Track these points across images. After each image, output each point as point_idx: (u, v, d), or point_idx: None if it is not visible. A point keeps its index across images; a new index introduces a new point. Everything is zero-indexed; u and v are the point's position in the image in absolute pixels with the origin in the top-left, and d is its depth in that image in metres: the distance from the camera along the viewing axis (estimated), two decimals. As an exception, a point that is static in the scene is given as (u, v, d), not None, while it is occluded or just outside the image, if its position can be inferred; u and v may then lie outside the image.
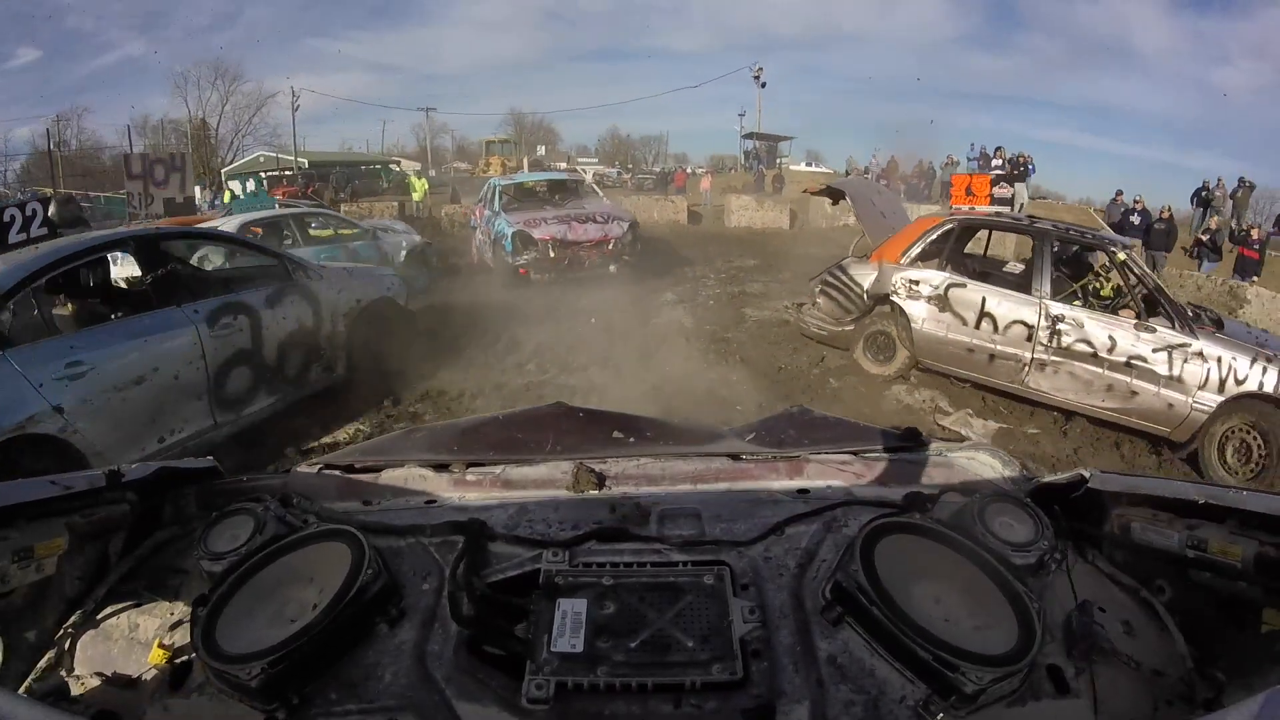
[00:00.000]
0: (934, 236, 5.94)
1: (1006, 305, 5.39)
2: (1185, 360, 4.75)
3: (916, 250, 5.91)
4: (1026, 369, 5.32)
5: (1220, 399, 4.63)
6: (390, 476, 1.34)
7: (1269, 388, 4.50)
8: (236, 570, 0.94)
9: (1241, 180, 14.15)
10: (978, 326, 5.50)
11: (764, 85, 33.48)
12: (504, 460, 1.38)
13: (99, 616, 1.02)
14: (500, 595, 0.96)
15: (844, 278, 6.22)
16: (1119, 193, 15.33)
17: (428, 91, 77.32)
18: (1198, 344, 4.75)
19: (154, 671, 0.92)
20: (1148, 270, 5.25)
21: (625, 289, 9.02)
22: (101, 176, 32.01)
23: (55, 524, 1.01)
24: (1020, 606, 0.84)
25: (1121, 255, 5.25)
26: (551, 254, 9.27)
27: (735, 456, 1.37)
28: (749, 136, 32.21)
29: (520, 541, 1.06)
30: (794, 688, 0.81)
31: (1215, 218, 14.03)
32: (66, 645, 0.98)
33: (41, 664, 0.96)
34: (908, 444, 1.42)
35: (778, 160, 30.35)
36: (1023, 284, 5.54)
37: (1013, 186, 14.16)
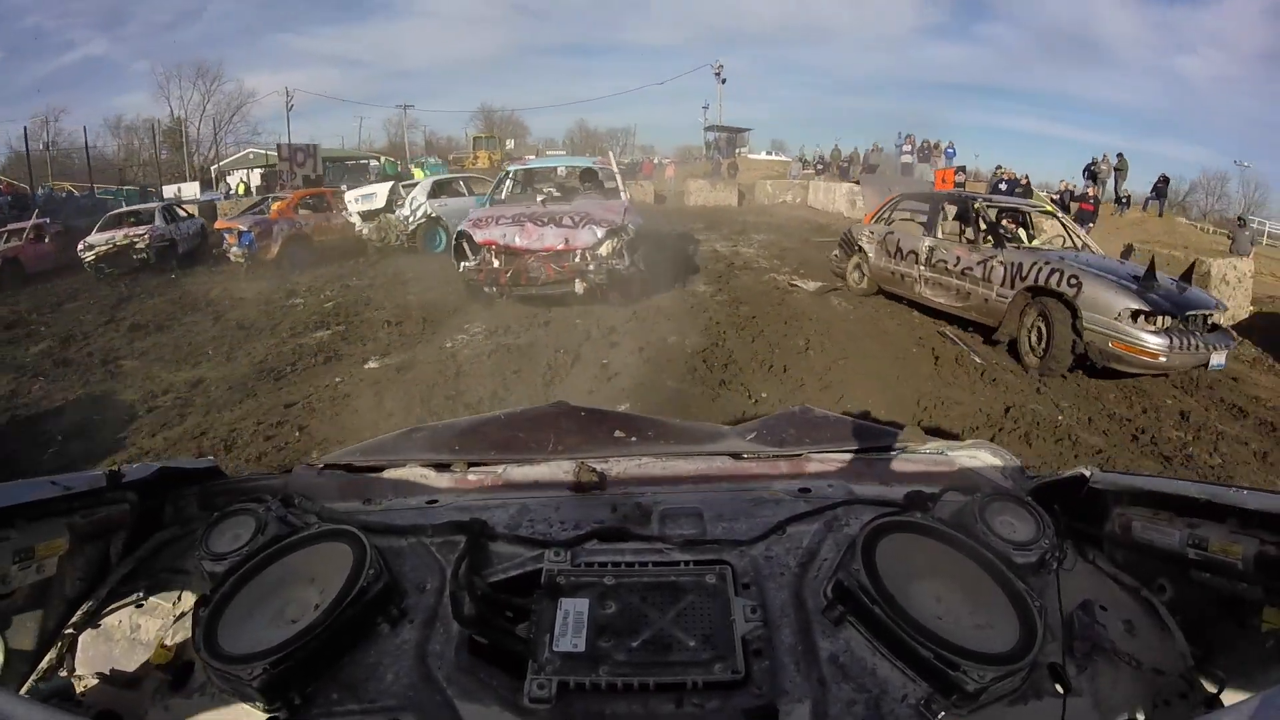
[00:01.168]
0: (886, 207, 9.07)
1: (908, 242, 8.02)
2: (992, 267, 6.83)
3: (879, 215, 9.07)
4: (917, 283, 7.85)
5: (1013, 291, 6.52)
6: (392, 476, 1.33)
7: (1041, 281, 6.25)
8: (238, 570, 0.94)
9: (1120, 156, 18.89)
10: (894, 257, 8.23)
11: (724, 81, 36.64)
12: (505, 460, 1.37)
13: (100, 617, 1.02)
14: (502, 595, 0.96)
15: (848, 234, 9.38)
16: (998, 167, 20.84)
17: (394, 87, 77.72)
18: (1002, 255, 6.83)
19: (155, 672, 0.92)
20: (984, 211, 7.59)
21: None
22: (81, 176, 31.90)
23: (56, 524, 1.01)
24: (1021, 605, 0.84)
25: (978, 204, 7.63)
26: (495, 262, 7.46)
27: (736, 456, 1.37)
28: (711, 129, 34.35)
29: (522, 541, 1.06)
30: (796, 687, 0.81)
31: (1063, 181, 19.22)
32: (68, 646, 0.98)
33: (43, 664, 0.96)
34: (909, 443, 1.41)
35: (736, 150, 32.92)
36: (925, 229, 8.07)
37: (914, 166, 20.48)
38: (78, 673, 0.95)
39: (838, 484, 1.23)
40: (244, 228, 12.32)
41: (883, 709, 0.80)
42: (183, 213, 15.26)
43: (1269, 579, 0.84)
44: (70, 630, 1.00)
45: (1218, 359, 5.71)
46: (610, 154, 9.71)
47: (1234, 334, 6.35)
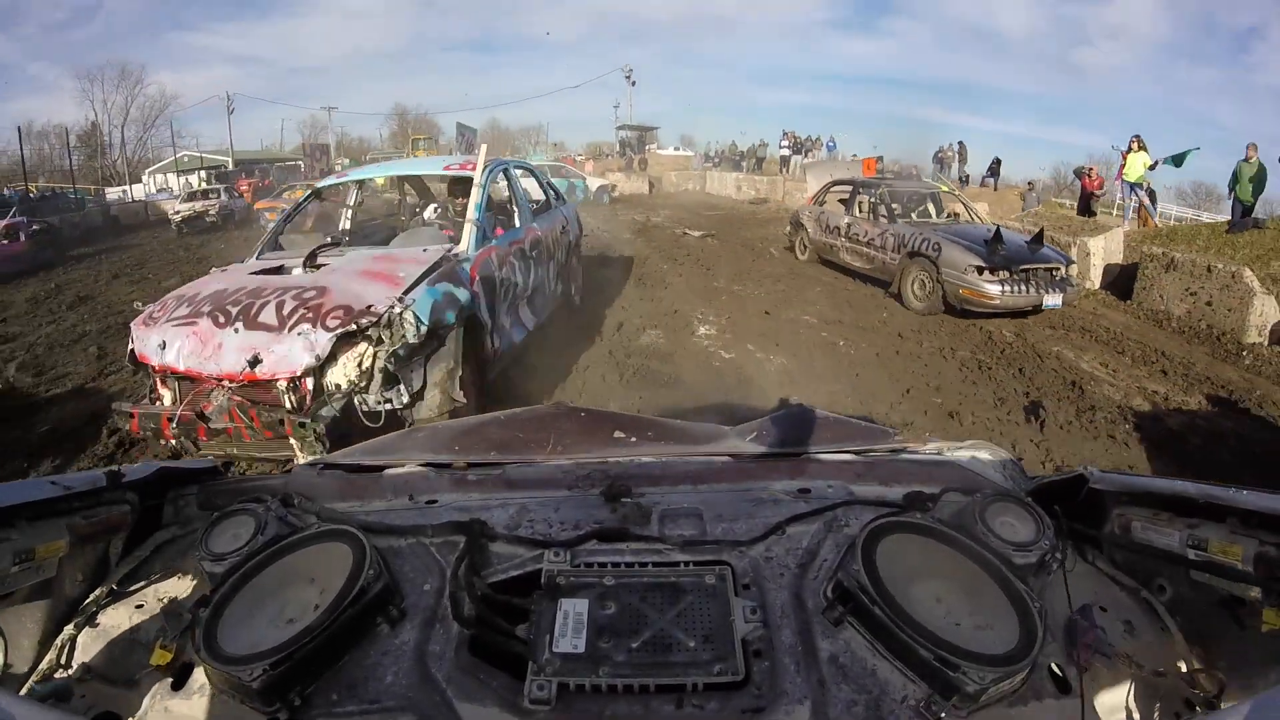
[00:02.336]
0: (823, 190, 11.35)
1: (834, 219, 10.29)
2: (887, 237, 8.91)
3: (818, 198, 11.42)
4: (841, 251, 10.07)
5: (899, 256, 8.53)
6: (391, 476, 1.33)
7: (916, 248, 8.25)
8: (237, 571, 0.94)
9: (961, 144, 23.19)
10: (826, 231, 10.50)
11: (634, 84, 41.98)
12: (505, 460, 1.37)
13: (100, 618, 1.02)
14: (501, 595, 0.95)
15: (795, 216, 11.81)
16: (854, 155, 25.40)
17: (297, 85, 77.62)
18: (893, 228, 8.95)
19: (155, 672, 0.91)
20: (884, 194, 9.60)
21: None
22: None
23: (56, 525, 1.00)
24: (1022, 607, 0.84)
25: (882, 189, 9.75)
26: (163, 396, 3.82)
27: (736, 456, 1.37)
28: (622, 128, 39.04)
29: (521, 541, 1.05)
30: (795, 688, 0.81)
31: (894, 163, 23.97)
32: (67, 646, 0.98)
33: (42, 665, 0.96)
34: (908, 443, 1.41)
35: (646, 147, 36.96)
36: (846, 209, 10.13)
37: (789, 159, 27.44)
38: (77, 674, 0.95)
39: (837, 484, 1.22)
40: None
41: (883, 710, 0.80)
42: (237, 193, 22.58)
43: (1269, 579, 0.84)
44: (70, 631, 0.99)
45: (1051, 300, 7.59)
46: (482, 149, 5.43)
47: (1075, 281, 8.24)
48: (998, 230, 8.03)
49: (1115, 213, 15.44)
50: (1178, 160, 14.24)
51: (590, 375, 5.74)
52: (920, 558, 0.93)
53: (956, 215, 9.81)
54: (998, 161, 23.12)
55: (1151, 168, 14.03)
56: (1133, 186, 14.20)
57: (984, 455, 1.34)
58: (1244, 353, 7.28)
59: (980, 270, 7.44)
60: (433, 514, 1.16)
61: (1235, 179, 11.23)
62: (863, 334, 7.26)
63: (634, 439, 1.48)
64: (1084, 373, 6.27)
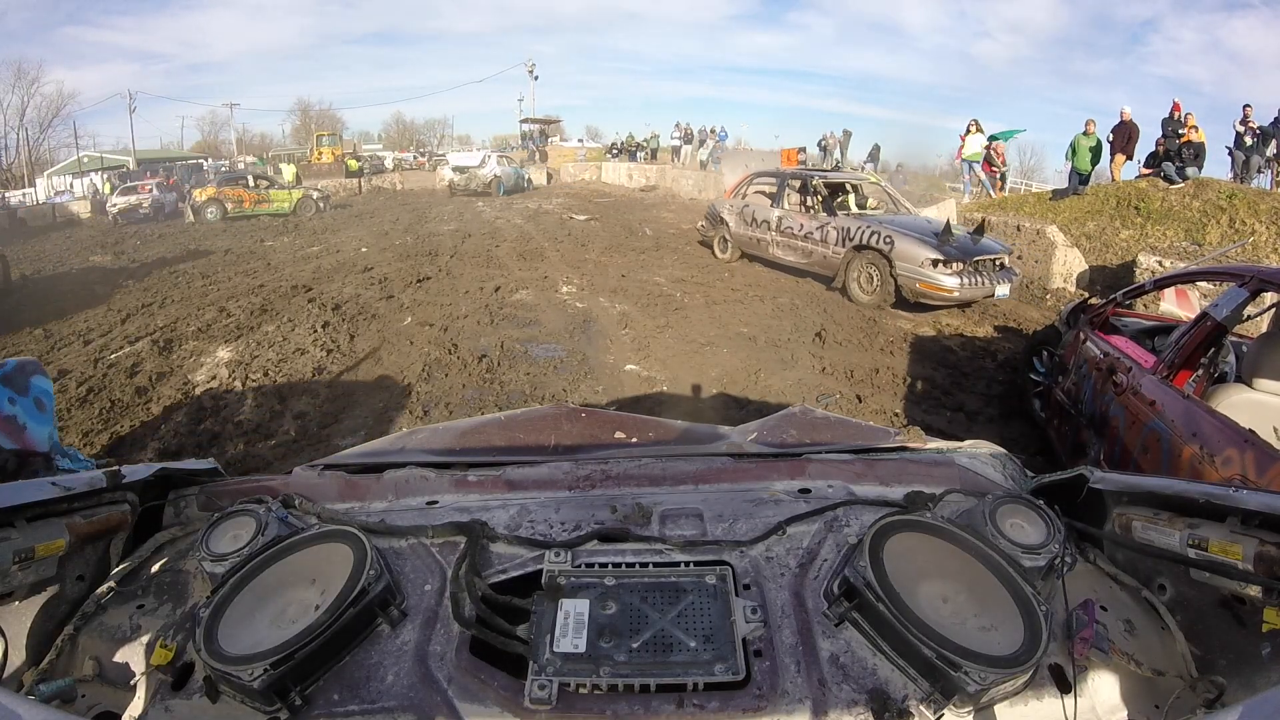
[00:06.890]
0: (744, 183, 10.71)
1: (762, 213, 9.73)
2: (828, 231, 8.59)
3: (737, 190, 10.77)
4: (771, 246, 9.58)
5: (844, 249, 8.30)
6: (392, 477, 1.33)
7: (864, 241, 8.03)
8: (238, 571, 0.94)
9: (845, 130, 23.92)
10: (750, 225, 9.92)
11: (536, 78, 43.09)
12: (506, 461, 1.37)
13: (100, 617, 1.01)
14: (502, 596, 0.96)
15: (712, 208, 11.09)
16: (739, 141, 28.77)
17: (197, 82, 72.99)
18: (834, 221, 8.55)
19: (156, 672, 0.91)
20: (820, 187, 9.36)
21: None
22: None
23: (56, 525, 1.00)
24: (1028, 609, 0.84)
25: (816, 181, 9.47)
26: None
27: (737, 456, 1.37)
28: (525, 121, 39.97)
29: (522, 542, 1.06)
30: (796, 687, 0.82)
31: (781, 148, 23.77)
32: (68, 646, 0.97)
33: (43, 665, 0.95)
34: (909, 443, 1.42)
35: (549, 140, 38.68)
36: (774, 202, 9.78)
37: (681, 148, 28.63)
38: (78, 673, 0.95)
39: (838, 485, 1.23)
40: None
41: (882, 709, 0.80)
42: (168, 186, 23.08)
43: (1269, 579, 0.83)
44: (70, 631, 0.99)
45: (1002, 290, 7.58)
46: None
47: (1018, 270, 8.28)
48: (948, 223, 7.98)
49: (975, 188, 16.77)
50: (1003, 136, 16.45)
51: (468, 321, 7.21)
52: (927, 557, 0.93)
53: (886, 205, 9.71)
54: (876, 148, 24.15)
55: (986, 147, 15.81)
56: (970, 164, 15.92)
57: (985, 455, 1.35)
58: (1048, 296, 9.06)
59: (935, 263, 7.32)
60: (433, 515, 1.17)
61: (1073, 150, 12.32)
62: (700, 288, 8.72)
63: (635, 439, 1.48)
64: (885, 313, 7.68)
